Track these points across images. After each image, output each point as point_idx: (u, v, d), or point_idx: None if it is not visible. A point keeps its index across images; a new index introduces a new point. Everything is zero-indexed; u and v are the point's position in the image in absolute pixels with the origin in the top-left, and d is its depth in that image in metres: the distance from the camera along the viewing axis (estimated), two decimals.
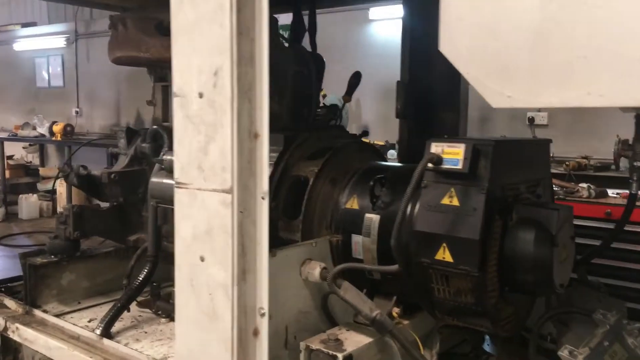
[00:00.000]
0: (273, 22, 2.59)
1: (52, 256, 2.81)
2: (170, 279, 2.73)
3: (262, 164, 1.75)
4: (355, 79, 2.83)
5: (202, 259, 1.83)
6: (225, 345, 1.78)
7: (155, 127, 2.77)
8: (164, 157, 2.47)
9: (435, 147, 1.81)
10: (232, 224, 1.73)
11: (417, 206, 1.90)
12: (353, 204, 2.16)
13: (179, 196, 1.88)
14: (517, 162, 1.94)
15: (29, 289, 2.79)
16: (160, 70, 2.81)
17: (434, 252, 1.82)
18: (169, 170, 2.44)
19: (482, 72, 1.30)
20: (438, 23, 2.85)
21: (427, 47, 2.88)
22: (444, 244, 1.80)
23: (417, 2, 2.89)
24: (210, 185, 1.78)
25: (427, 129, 2.84)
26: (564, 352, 1.80)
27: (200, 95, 1.77)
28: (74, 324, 2.61)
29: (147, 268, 2.69)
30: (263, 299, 1.79)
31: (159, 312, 2.76)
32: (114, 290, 3.06)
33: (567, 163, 5.37)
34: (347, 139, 2.56)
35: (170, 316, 2.71)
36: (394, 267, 1.87)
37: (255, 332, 1.81)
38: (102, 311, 2.82)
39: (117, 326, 2.62)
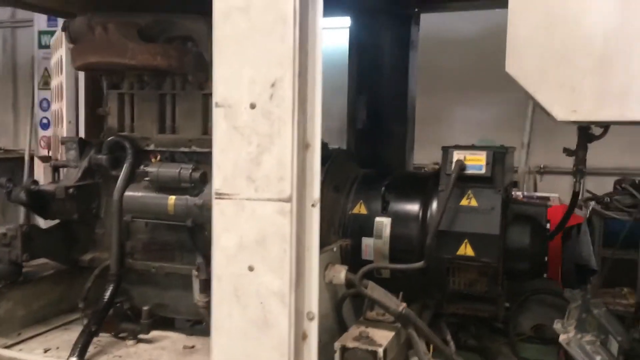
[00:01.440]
0: None
1: None
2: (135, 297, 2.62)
3: (312, 173, 1.83)
4: None
5: (251, 269, 1.83)
6: (281, 351, 1.81)
7: (114, 137, 2.61)
8: (148, 169, 2.35)
9: (457, 155, 2.04)
10: (290, 232, 1.78)
11: (434, 208, 2.12)
12: (360, 209, 2.29)
13: (221, 207, 1.86)
14: (508, 167, 2.25)
15: None
16: (116, 77, 2.65)
17: (456, 249, 2.04)
18: (157, 183, 2.34)
19: (551, 91, 1.55)
20: (385, 39, 3.09)
21: (375, 61, 3.17)
22: (466, 241, 2.03)
23: (365, 17, 3.12)
24: (264, 195, 1.80)
25: (377, 139, 3.09)
26: (557, 326, 2.12)
27: (253, 106, 1.79)
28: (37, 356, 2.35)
29: (112, 287, 2.52)
30: (312, 303, 1.86)
31: (123, 335, 2.59)
32: (49, 317, 2.80)
33: None
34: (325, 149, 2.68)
35: (136, 337, 2.57)
36: (420, 264, 2.06)
37: (304, 336, 1.87)
38: (49, 340, 2.59)
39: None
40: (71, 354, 2.32)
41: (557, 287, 2.75)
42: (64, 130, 3.75)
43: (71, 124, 3.70)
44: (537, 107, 1.67)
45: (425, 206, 2.18)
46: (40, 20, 6.18)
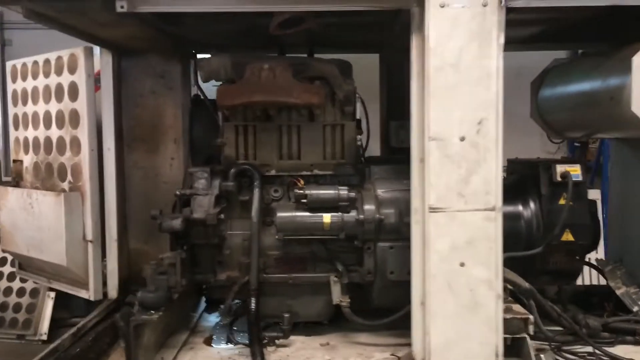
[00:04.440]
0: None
1: (152, 312, 2.58)
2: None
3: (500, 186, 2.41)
4: None
5: (462, 265, 2.36)
6: (489, 325, 2.37)
7: (240, 165, 2.86)
8: (307, 192, 2.68)
9: (559, 168, 2.79)
10: (495, 233, 2.35)
11: (535, 208, 2.85)
12: None
13: (435, 219, 2.36)
14: None
15: (134, 352, 2.50)
16: (231, 112, 2.89)
17: (560, 235, 2.79)
18: (316, 203, 2.68)
19: None
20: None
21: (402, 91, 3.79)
22: (567, 230, 2.79)
23: (393, 58, 3.72)
24: (472, 206, 2.35)
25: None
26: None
27: (462, 139, 2.33)
28: None
29: (254, 300, 2.79)
30: (499, 286, 2.45)
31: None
32: (164, 340, 2.93)
33: None
34: None
35: (275, 344, 2.83)
36: (539, 250, 2.77)
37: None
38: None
39: None
40: None
41: None
42: (84, 159, 3.68)
43: (94, 152, 3.65)
44: None
45: (526, 205, 2.90)
46: None
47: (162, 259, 2.61)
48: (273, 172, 2.94)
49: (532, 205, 2.90)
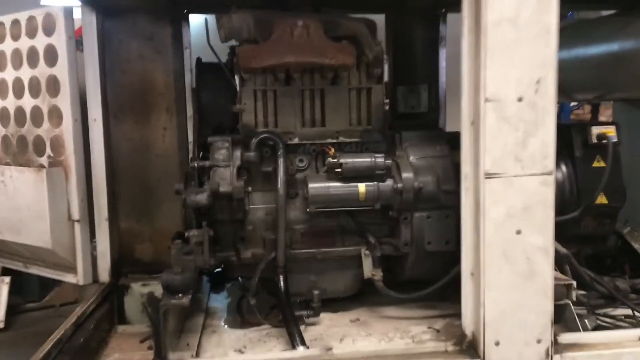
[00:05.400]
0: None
1: (181, 295, 2.34)
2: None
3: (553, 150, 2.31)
4: None
5: (519, 232, 2.26)
6: (546, 293, 2.28)
7: (263, 134, 2.62)
8: (342, 160, 2.49)
9: (595, 130, 2.71)
10: (551, 198, 2.25)
11: (568, 172, 2.77)
12: None
13: (490, 185, 2.23)
14: None
15: (164, 339, 2.27)
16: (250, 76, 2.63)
17: (594, 199, 2.74)
18: (352, 173, 2.49)
19: None
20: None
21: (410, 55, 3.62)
22: (602, 193, 2.74)
23: (402, 20, 3.53)
24: (529, 171, 2.23)
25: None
26: None
27: (520, 100, 2.19)
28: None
29: (282, 279, 2.61)
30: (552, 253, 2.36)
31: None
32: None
33: None
34: None
35: (304, 322, 2.66)
36: (575, 214, 2.71)
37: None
38: (221, 344, 2.56)
39: None
40: (297, 344, 2.38)
41: None
42: (66, 130, 3.34)
43: (77, 122, 3.32)
44: None
45: (557, 169, 2.81)
46: None
47: (188, 237, 2.37)
48: (296, 141, 2.73)
49: (564, 168, 2.83)
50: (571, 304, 2.54)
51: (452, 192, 2.58)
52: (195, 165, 2.58)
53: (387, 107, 2.76)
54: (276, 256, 2.61)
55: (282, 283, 2.59)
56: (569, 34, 3.37)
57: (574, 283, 2.55)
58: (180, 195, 2.41)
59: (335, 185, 2.56)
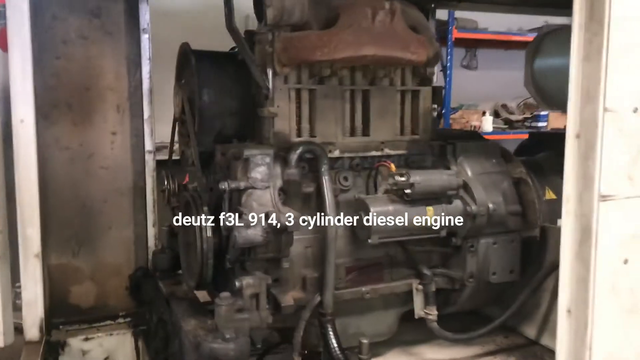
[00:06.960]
0: None
1: None
2: None
3: None
4: None
5: (626, 262, 1.98)
6: None
7: (304, 146, 2.06)
8: (413, 179, 2.01)
9: None
10: None
11: None
12: (550, 194, 2.53)
13: (605, 209, 1.93)
14: None
15: None
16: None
17: None
18: (421, 195, 2.03)
19: None
20: None
21: None
22: None
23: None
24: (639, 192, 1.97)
25: None
26: None
27: (635, 111, 1.92)
28: None
29: (332, 331, 2.09)
30: None
31: None
32: None
33: None
34: None
35: None
36: None
37: None
38: None
39: None
40: None
41: None
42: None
43: (24, 122, 2.50)
44: None
45: None
46: None
47: (240, 288, 1.75)
48: (337, 153, 2.21)
49: None
50: None
51: (518, 214, 2.24)
52: (227, 187, 1.94)
53: (435, 114, 2.34)
54: (322, 300, 2.07)
55: (331, 335, 2.06)
56: (559, 41, 3.21)
57: None
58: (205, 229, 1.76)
59: (400, 209, 2.09)
